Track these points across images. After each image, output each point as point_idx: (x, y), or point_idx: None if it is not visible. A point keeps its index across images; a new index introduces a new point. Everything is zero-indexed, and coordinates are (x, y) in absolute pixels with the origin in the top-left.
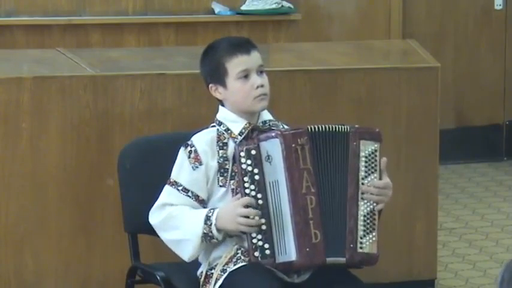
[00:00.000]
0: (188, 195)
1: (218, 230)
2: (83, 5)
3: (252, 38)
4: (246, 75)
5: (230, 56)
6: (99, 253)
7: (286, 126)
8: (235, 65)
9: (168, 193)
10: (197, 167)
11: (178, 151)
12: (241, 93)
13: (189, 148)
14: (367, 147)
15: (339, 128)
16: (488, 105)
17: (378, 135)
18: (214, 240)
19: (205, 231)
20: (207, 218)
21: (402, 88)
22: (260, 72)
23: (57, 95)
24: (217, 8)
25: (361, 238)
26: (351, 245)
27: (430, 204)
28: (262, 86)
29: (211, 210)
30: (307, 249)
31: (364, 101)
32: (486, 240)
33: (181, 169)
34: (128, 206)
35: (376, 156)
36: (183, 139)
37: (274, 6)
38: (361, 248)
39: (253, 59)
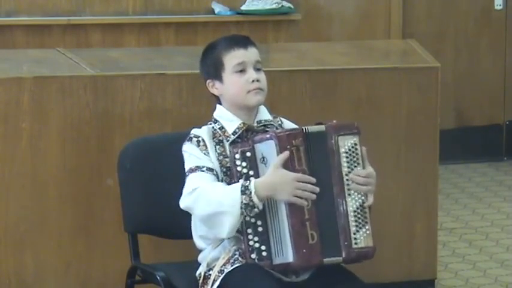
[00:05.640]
0: (214, 174)
1: (259, 199)
2: (82, 5)
3: (252, 38)
4: (242, 70)
5: (227, 50)
6: (99, 253)
7: (286, 121)
8: (232, 58)
9: (193, 178)
10: (208, 153)
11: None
12: (237, 86)
13: (195, 139)
14: (346, 142)
15: (317, 127)
16: (488, 105)
17: (355, 128)
18: (256, 210)
19: (245, 201)
20: (245, 188)
21: (402, 88)
22: (257, 69)
23: (57, 95)
24: (217, 8)
25: (354, 234)
26: (345, 243)
27: (430, 204)
28: (258, 80)
29: (247, 181)
30: (304, 251)
31: (364, 101)
32: (486, 240)
33: (197, 157)
34: (128, 206)
35: (356, 149)
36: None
37: (274, 6)
38: (355, 243)
39: (251, 53)
